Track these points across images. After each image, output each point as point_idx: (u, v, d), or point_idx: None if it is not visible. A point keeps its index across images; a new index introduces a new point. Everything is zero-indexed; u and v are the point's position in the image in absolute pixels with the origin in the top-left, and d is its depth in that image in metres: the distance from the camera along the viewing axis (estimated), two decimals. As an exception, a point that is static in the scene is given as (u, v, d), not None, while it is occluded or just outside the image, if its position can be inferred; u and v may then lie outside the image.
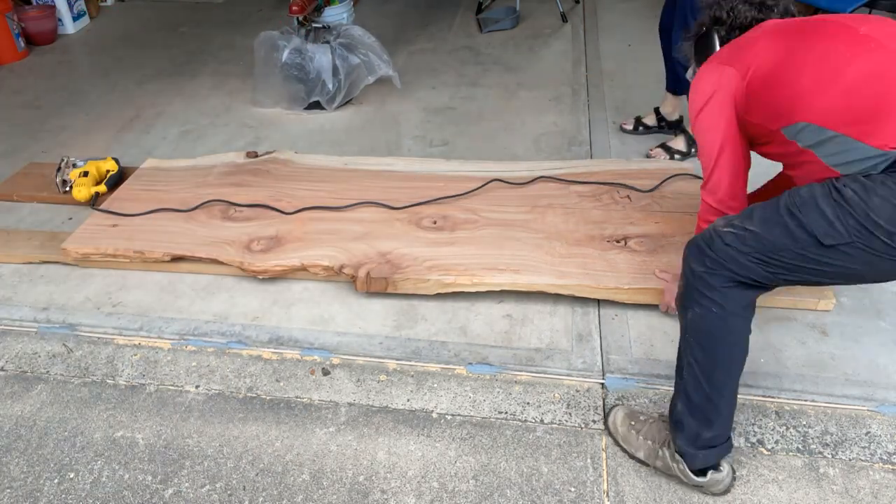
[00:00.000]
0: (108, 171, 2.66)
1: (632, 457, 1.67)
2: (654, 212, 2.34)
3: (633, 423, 1.69)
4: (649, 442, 1.64)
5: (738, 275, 1.43)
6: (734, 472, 1.62)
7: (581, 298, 2.11)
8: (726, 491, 1.59)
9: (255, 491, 1.66)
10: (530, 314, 2.09)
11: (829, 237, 1.33)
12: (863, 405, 1.77)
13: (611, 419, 1.74)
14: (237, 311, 2.16)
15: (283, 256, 2.21)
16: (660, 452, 1.61)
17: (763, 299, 2.02)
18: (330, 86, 3.23)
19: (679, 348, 1.55)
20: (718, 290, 1.45)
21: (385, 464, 1.70)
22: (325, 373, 1.95)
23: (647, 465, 1.64)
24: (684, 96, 2.74)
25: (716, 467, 1.55)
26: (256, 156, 2.76)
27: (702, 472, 1.55)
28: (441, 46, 4.04)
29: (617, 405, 1.77)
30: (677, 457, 1.57)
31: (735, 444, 1.69)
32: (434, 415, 1.82)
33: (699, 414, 1.51)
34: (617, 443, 1.70)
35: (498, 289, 2.09)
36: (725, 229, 1.45)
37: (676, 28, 2.57)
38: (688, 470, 1.55)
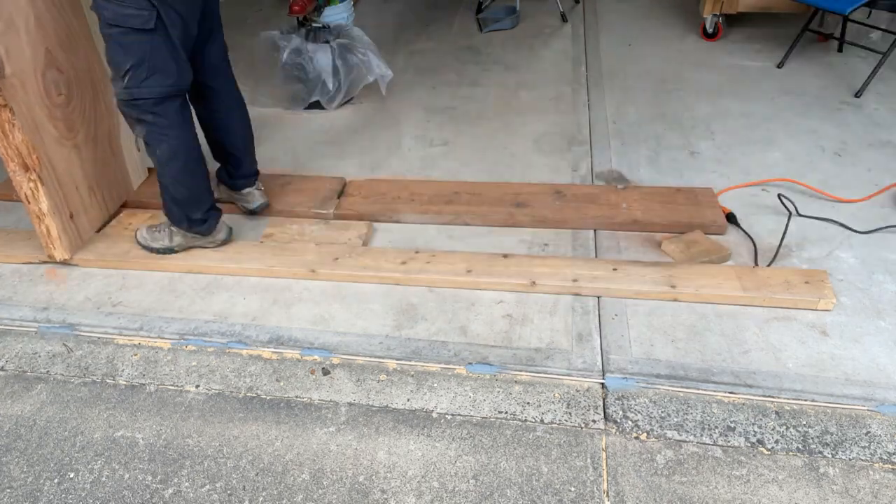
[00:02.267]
0: None
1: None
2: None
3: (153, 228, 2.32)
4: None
5: None
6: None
7: (581, 298, 2.11)
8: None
9: (255, 491, 1.66)
10: (530, 314, 2.09)
11: None
12: (863, 405, 1.77)
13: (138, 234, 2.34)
14: (237, 310, 2.16)
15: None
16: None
17: (763, 299, 2.04)
18: (330, 86, 3.23)
19: None
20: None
21: (385, 463, 1.70)
22: (325, 372, 1.95)
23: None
24: None
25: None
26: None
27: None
28: (441, 46, 4.04)
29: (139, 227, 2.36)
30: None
31: (735, 443, 1.70)
32: (434, 414, 1.82)
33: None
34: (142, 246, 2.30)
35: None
36: None
37: None
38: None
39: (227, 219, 2.38)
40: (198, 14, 2.06)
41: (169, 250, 2.30)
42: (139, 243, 2.33)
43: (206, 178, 2.24)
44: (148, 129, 2.06)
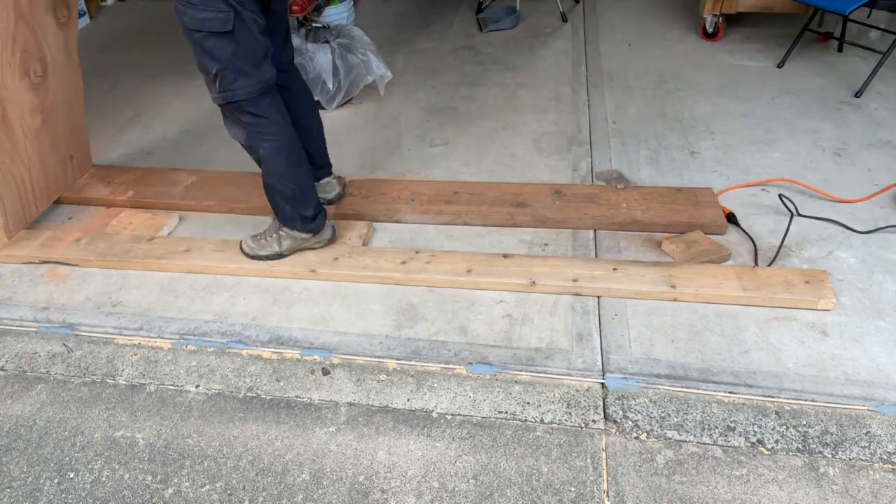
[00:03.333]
0: None
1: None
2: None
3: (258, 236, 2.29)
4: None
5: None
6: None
7: (581, 298, 2.11)
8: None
9: (255, 490, 1.66)
10: (530, 314, 2.09)
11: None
12: (863, 405, 1.77)
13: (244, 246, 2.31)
14: (237, 310, 2.16)
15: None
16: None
17: (763, 299, 2.04)
18: (330, 85, 3.23)
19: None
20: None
21: (385, 463, 1.70)
22: (325, 372, 1.95)
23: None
24: None
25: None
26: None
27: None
28: (441, 46, 4.04)
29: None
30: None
31: (735, 443, 1.70)
32: (434, 414, 1.82)
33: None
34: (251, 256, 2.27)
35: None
36: None
37: None
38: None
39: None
40: (270, 15, 2.05)
41: (278, 256, 2.27)
42: (245, 253, 2.29)
43: (310, 173, 2.24)
44: (248, 130, 2.03)
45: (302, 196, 2.18)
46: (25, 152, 2.43)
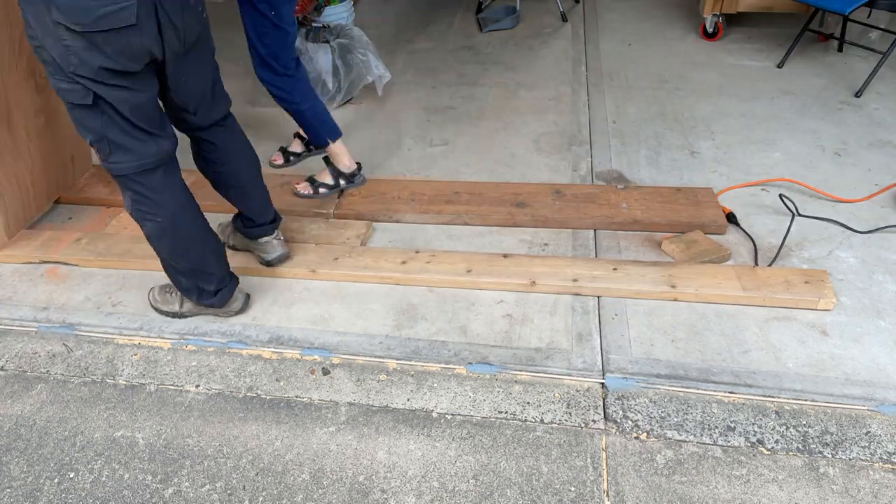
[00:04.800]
0: None
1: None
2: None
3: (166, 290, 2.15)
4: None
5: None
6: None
7: (581, 298, 2.11)
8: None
9: (255, 490, 1.66)
10: (530, 314, 2.09)
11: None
12: (863, 405, 1.77)
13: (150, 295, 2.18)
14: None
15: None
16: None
17: (763, 299, 2.03)
18: (330, 86, 3.23)
19: None
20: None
21: (385, 463, 1.70)
22: (325, 372, 1.95)
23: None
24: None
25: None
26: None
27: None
28: (441, 46, 4.04)
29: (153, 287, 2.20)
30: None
31: (735, 443, 1.70)
32: (434, 414, 1.82)
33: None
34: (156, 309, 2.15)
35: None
36: None
37: None
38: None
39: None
40: (165, 83, 1.77)
41: (177, 315, 2.13)
42: (150, 303, 2.17)
43: (211, 245, 1.99)
44: (132, 204, 1.84)
45: (199, 272, 1.99)
46: (28, 153, 2.43)
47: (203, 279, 2.00)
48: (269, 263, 2.26)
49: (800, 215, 2.40)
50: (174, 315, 2.13)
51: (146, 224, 1.87)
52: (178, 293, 2.10)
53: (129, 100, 1.67)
